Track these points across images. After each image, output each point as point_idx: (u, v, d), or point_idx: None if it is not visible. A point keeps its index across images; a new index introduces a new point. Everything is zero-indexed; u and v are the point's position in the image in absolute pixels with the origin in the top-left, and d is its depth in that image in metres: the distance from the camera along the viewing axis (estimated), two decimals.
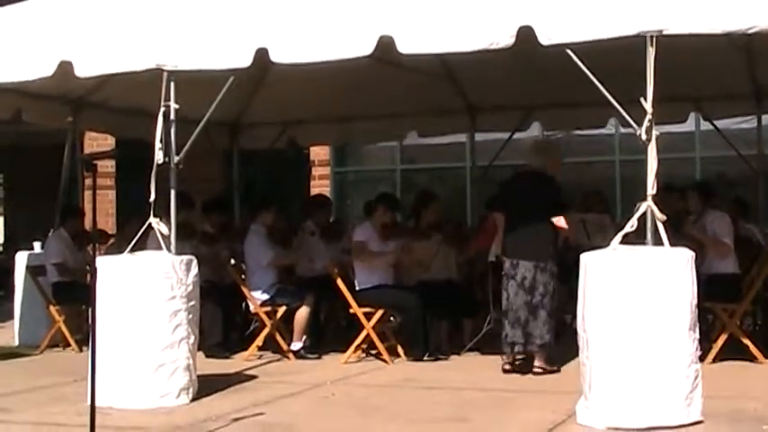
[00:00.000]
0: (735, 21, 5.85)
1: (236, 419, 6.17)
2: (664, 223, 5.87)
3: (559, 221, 7.77)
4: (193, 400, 6.79)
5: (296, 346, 8.90)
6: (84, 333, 9.42)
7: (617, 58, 6.25)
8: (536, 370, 7.69)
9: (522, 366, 7.80)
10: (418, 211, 9.46)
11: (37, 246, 10.53)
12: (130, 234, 7.30)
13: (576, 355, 6.04)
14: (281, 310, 8.91)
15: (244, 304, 9.44)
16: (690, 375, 5.65)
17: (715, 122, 10.78)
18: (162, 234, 6.91)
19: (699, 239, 8.06)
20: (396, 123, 11.75)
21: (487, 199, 8.72)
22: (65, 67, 7.12)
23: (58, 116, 9.86)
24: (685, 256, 5.78)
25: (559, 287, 7.82)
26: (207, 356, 8.60)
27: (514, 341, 7.70)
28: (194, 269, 6.91)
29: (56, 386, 7.54)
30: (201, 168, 10.32)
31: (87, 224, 10.34)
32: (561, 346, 7.82)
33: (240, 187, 12.02)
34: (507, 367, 7.76)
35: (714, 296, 7.82)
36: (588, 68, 6.06)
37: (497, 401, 6.74)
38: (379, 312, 8.51)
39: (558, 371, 7.73)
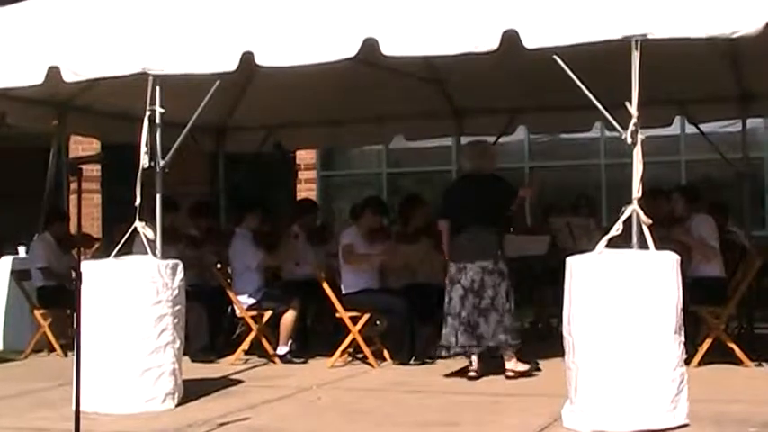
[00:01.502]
0: (719, 25, 5.87)
1: (222, 424, 6.16)
2: (649, 227, 5.89)
3: (523, 191, 7.88)
4: (179, 404, 6.77)
5: (282, 350, 8.89)
6: (69, 337, 9.36)
7: (602, 61, 6.27)
8: (508, 374, 7.67)
9: (487, 371, 7.78)
10: (405, 216, 9.47)
11: (22, 250, 10.49)
12: (117, 238, 7.28)
13: (562, 358, 6.04)
14: (268, 314, 8.90)
15: (230, 308, 9.42)
16: (675, 379, 5.66)
17: (700, 126, 10.82)
18: (147, 238, 6.89)
19: (684, 243, 8.08)
20: (382, 127, 11.75)
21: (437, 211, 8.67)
22: (52, 73, 7.10)
23: (43, 119, 9.84)
24: (671, 260, 5.79)
25: (511, 287, 7.75)
26: (193, 361, 8.58)
27: (466, 344, 7.69)
28: (180, 273, 6.89)
29: (41, 391, 7.51)
30: (187, 172, 10.29)
31: (73, 228, 10.31)
32: (547, 349, 7.83)
33: (226, 191, 12.00)
34: (473, 374, 7.70)
35: (700, 299, 7.82)
36: (574, 72, 6.07)
37: (484, 405, 6.75)
38: (366, 316, 8.51)
39: (533, 374, 7.73)
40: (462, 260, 7.75)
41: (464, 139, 11.65)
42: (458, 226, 7.85)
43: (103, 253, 8.13)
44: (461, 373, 7.79)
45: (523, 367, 7.70)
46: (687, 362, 5.99)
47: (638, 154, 5.94)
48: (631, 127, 5.92)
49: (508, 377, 7.65)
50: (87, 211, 14.26)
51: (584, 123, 10.75)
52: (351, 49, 6.45)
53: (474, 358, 7.74)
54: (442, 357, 7.95)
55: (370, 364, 8.50)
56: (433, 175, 14.43)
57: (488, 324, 7.65)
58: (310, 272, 9.07)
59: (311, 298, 9.08)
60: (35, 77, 7.20)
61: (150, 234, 6.91)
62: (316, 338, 9.70)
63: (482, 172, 7.97)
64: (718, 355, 7.97)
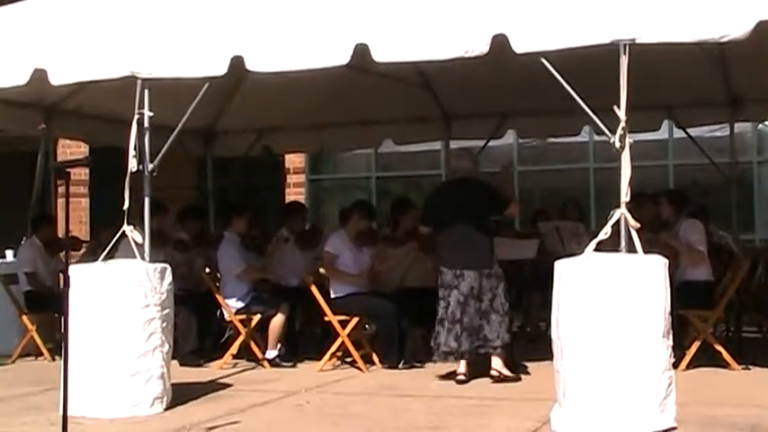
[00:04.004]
0: (707, 29, 5.88)
1: (211, 428, 6.14)
2: (637, 231, 5.90)
3: (511, 210, 7.91)
4: (167, 408, 6.75)
5: (271, 354, 8.88)
6: (56, 342, 9.35)
7: (591, 66, 6.28)
8: (493, 373, 7.66)
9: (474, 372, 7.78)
10: (395, 219, 9.47)
11: (9, 254, 10.45)
12: (105, 242, 7.26)
13: (551, 361, 6.05)
14: (256, 317, 8.88)
15: (218, 312, 9.40)
16: (663, 382, 5.67)
17: (688, 130, 10.85)
18: (135, 242, 6.87)
19: (672, 247, 8.10)
20: (371, 131, 11.74)
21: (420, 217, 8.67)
22: (39, 75, 7.08)
23: (30, 123, 9.80)
24: (659, 264, 5.80)
25: (506, 288, 7.80)
26: (181, 365, 8.56)
27: (470, 349, 7.67)
28: (168, 277, 6.87)
29: (28, 396, 7.48)
30: (176, 176, 10.27)
31: (60, 232, 10.28)
32: (536, 352, 7.84)
33: (215, 195, 11.99)
34: (462, 378, 7.69)
35: (688, 303, 7.86)
36: (562, 76, 6.08)
37: (473, 409, 6.75)
38: (354, 320, 8.51)
39: (519, 378, 7.74)
40: (459, 266, 7.75)
41: (453, 143, 11.69)
42: (448, 231, 7.84)
43: (91, 256, 8.12)
44: (450, 376, 7.79)
45: (509, 373, 7.69)
46: (675, 365, 6.01)
47: (626, 158, 5.95)
48: (620, 131, 5.93)
49: (492, 377, 7.64)
50: (75, 215, 14.24)
51: (572, 127, 10.77)
52: (343, 56, 6.44)
53: (463, 362, 7.74)
54: (444, 361, 7.90)
55: (358, 368, 8.49)
56: (423, 178, 14.44)
57: (491, 326, 7.66)
58: (300, 277, 9.06)
59: (300, 302, 9.07)
60: (19, 78, 7.17)
61: (139, 238, 6.89)
62: (304, 342, 9.70)
63: (468, 176, 7.98)
64: (706, 358, 8.00)
